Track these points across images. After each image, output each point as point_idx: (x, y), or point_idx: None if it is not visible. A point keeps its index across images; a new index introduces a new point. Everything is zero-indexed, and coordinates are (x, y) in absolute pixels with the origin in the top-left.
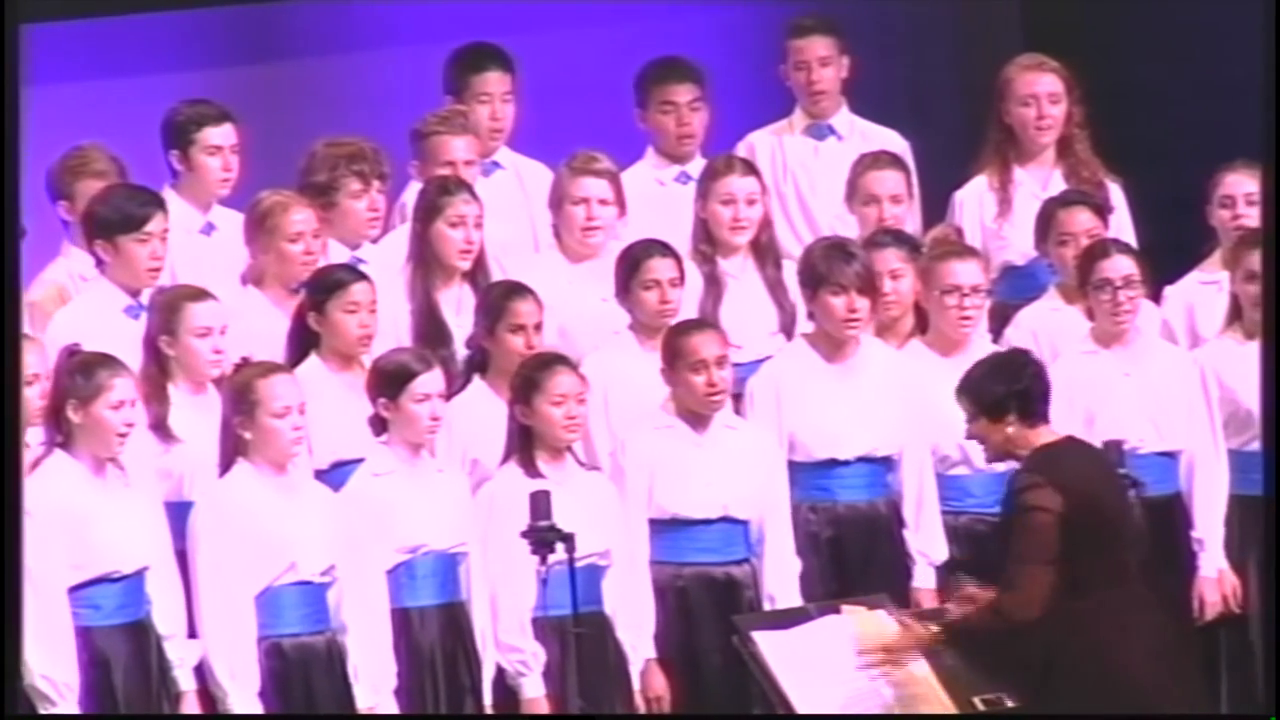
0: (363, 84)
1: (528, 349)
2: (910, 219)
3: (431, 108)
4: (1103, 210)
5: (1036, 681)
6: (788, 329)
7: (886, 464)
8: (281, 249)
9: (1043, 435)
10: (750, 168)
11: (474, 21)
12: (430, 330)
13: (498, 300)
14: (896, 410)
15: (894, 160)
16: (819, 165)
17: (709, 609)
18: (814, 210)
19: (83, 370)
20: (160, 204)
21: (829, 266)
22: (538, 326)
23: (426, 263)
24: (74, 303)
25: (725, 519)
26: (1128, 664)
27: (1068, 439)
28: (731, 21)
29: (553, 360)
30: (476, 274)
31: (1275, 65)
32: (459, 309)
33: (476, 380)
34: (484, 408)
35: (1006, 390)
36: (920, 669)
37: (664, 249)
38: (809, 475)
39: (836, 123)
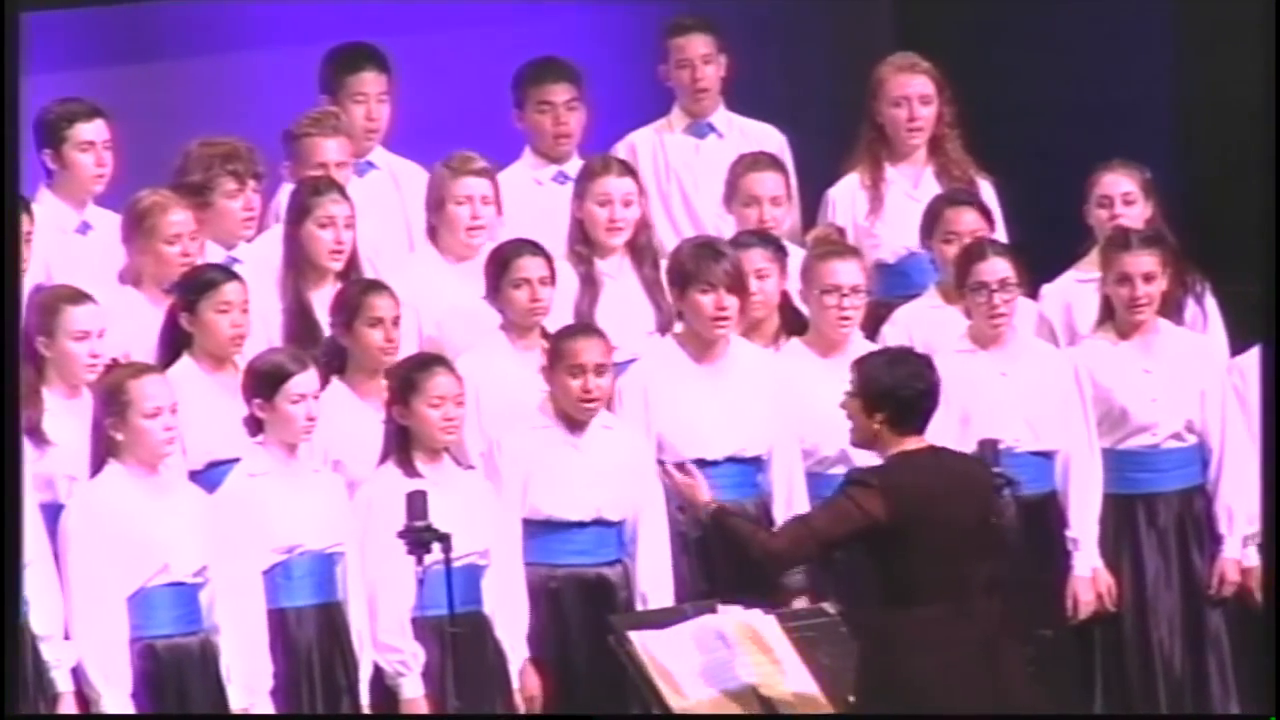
0: (239, 84)
1: (386, 342)
2: (789, 218)
3: (307, 107)
4: (989, 211)
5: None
6: (665, 329)
7: (756, 464)
8: (158, 250)
9: (906, 444)
10: (627, 168)
11: (350, 22)
12: (302, 330)
13: (355, 296)
14: (766, 410)
15: (773, 162)
16: (701, 163)
17: (582, 610)
18: (698, 208)
19: None
20: None
21: (698, 265)
22: (395, 320)
23: (298, 264)
24: None
25: (598, 521)
26: (926, 681)
27: (929, 449)
28: (607, 22)
29: (431, 361)
30: (349, 274)
31: (1275, 67)
32: None
33: (335, 381)
34: (344, 408)
35: (889, 389)
36: (796, 668)
37: (533, 248)
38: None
39: (716, 120)
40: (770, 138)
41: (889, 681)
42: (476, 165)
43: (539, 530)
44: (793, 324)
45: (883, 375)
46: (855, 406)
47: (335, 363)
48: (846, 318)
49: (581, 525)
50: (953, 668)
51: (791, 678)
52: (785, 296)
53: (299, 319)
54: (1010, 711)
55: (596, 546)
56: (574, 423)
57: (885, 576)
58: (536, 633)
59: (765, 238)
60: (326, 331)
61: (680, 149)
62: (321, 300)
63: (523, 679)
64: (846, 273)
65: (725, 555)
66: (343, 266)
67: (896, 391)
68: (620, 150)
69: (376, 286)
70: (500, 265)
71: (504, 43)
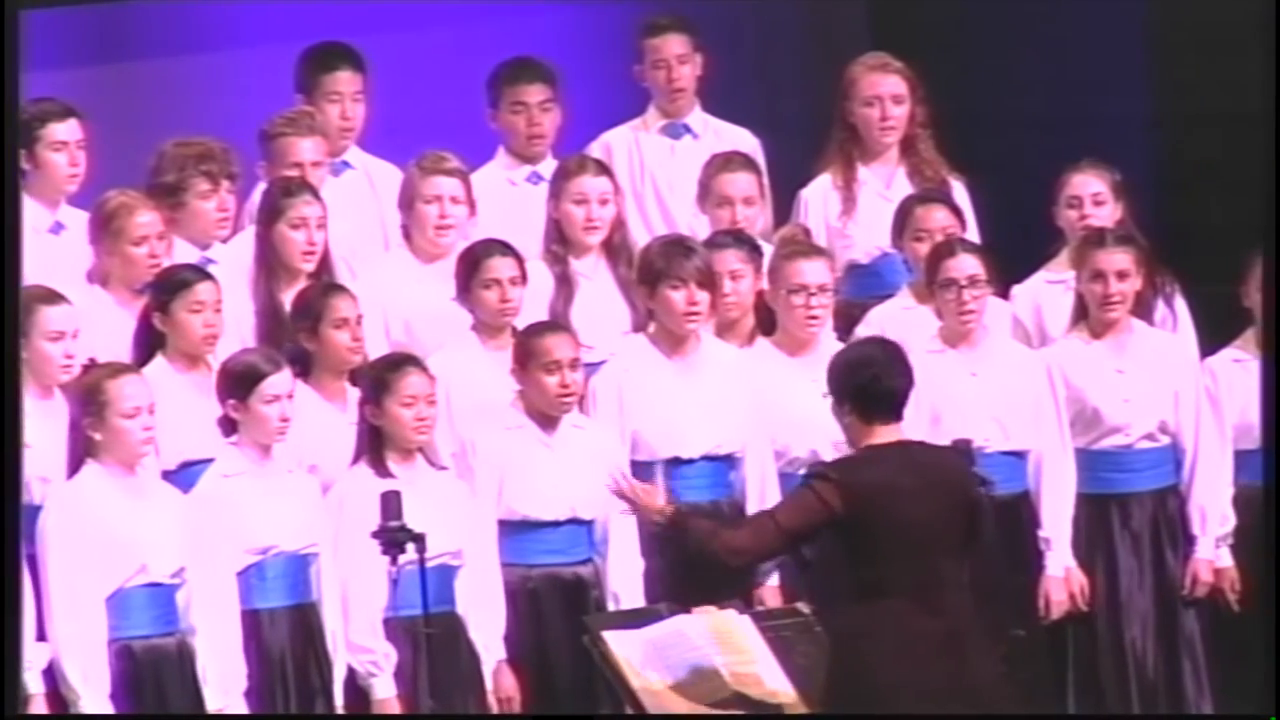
0: (215, 83)
1: (354, 341)
2: (762, 219)
3: (282, 107)
4: (959, 210)
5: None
6: (640, 329)
7: (729, 462)
8: (126, 252)
9: (878, 435)
10: (603, 168)
11: (325, 21)
12: (275, 331)
13: (317, 299)
14: (738, 407)
15: (746, 162)
16: (675, 164)
17: (559, 610)
18: (672, 209)
19: None
20: None
21: (667, 261)
22: (359, 320)
23: (270, 265)
24: None
25: (573, 520)
26: (887, 674)
27: (899, 442)
28: (582, 22)
29: (403, 361)
30: (321, 275)
31: (1275, 66)
32: None
33: (299, 384)
34: (310, 411)
35: (843, 384)
36: (771, 668)
37: (504, 248)
38: (652, 475)
39: (691, 121)
40: (744, 142)
41: (852, 673)
42: (448, 165)
43: (514, 530)
44: (768, 324)
45: (839, 367)
46: (832, 406)
47: (300, 367)
48: (815, 317)
49: (556, 524)
50: (916, 662)
51: (767, 678)
52: (760, 296)
53: (272, 320)
54: (977, 707)
55: (570, 545)
56: (546, 421)
57: (851, 570)
58: (514, 633)
59: (740, 238)
60: None
61: (655, 149)
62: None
63: (499, 680)
64: (814, 272)
65: (698, 557)
66: (314, 267)
67: (851, 381)
68: (595, 150)
69: (335, 289)
70: (470, 266)
71: (479, 43)
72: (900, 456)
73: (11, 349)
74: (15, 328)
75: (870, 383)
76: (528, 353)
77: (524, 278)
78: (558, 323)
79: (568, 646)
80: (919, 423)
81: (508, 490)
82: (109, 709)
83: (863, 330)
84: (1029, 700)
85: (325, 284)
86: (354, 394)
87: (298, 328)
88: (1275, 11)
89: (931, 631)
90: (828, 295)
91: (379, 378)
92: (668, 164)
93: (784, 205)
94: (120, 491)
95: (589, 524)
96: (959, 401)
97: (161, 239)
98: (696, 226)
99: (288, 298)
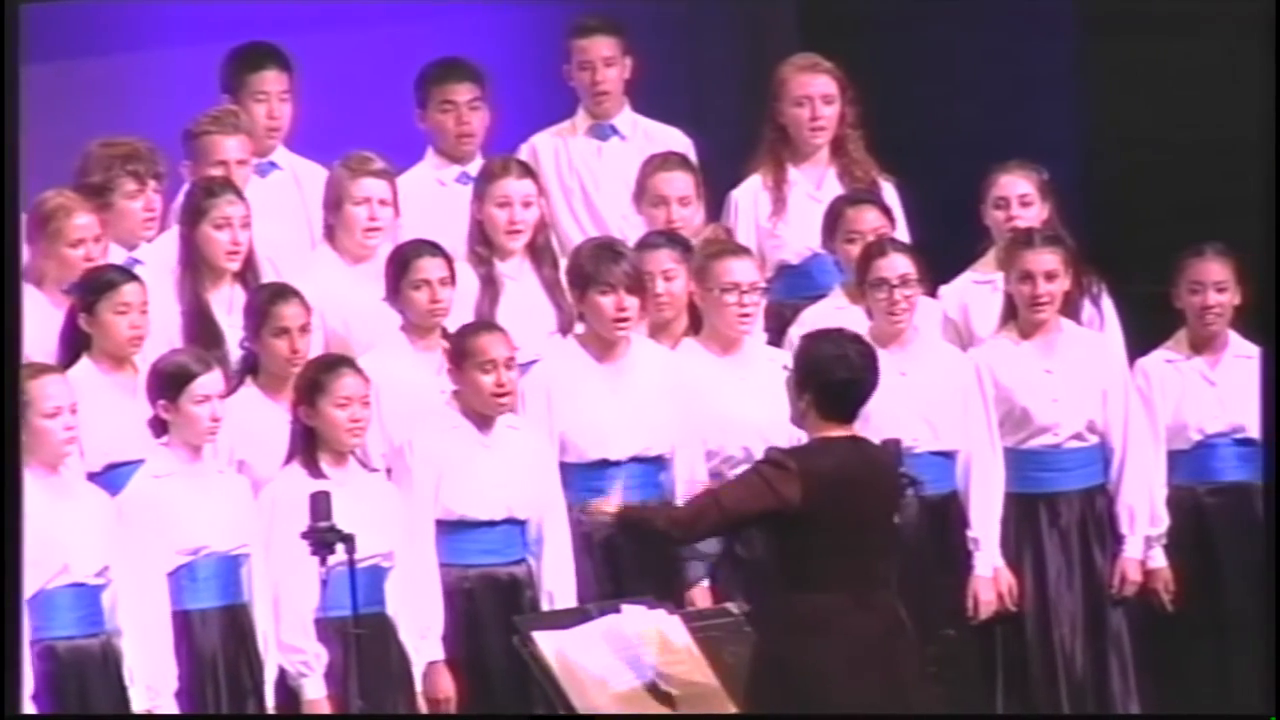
0: (141, 83)
1: (292, 352)
2: (697, 219)
3: (209, 108)
4: (890, 210)
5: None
6: (566, 330)
7: (659, 463)
8: (63, 253)
9: (832, 429)
10: (526, 170)
11: (253, 21)
12: (202, 332)
13: (263, 305)
14: (668, 409)
15: (682, 161)
16: (603, 165)
17: (494, 610)
18: (601, 210)
19: None
20: None
21: (597, 266)
22: (303, 329)
23: (195, 265)
24: None
25: (509, 520)
26: (819, 668)
27: (850, 437)
28: (512, 22)
29: (337, 362)
30: (246, 274)
31: (1276, 65)
32: (230, 309)
33: (249, 382)
34: (253, 410)
35: (811, 375)
36: (700, 666)
37: (433, 249)
38: (582, 476)
39: (619, 123)
40: (676, 142)
41: (782, 662)
42: (375, 166)
43: (450, 530)
44: (701, 324)
45: (811, 355)
46: (789, 382)
47: (251, 364)
48: (747, 314)
49: (492, 524)
50: (849, 657)
51: (696, 678)
52: (693, 296)
53: (198, 320)
54: (900, 706)
55: (506, 546)
56: (483, 421)
57: (789, 560)
58: (450, 633)
59: (673, 238)
60: (227, 332)
61: (582, 151)
62: (220, 301)
63: (436, 680)
64: (743, 270)
65: (630, 556)
66: (240, 267)
67: (819, 375)
68: (522, 153)
69: (284, 294)
70: (400, 266)
71: (408, 43)
72: (852, 450)
73: (12, 351)
74: (16, 329)
75: (840, 386)
76: (463, 352)
77: (453, 278)
78: (492, 322)
79: (503, 647)
80: None
81: (444, 490)
82: (30, 709)
83: (795, 332)
84: (957, 700)
85: (274, 288)
86: None
87: (245, 328)
88: (1275, 12)
89: (866, 629)
90: (758, 293)
91: (313, 379)
92: (595, 165)
93: (715, 206)
94: (42, 492)
95: (524, 524)
96: (889, 401)
97: (97, 241)
98: (625, 228)
99: (214, 298)
